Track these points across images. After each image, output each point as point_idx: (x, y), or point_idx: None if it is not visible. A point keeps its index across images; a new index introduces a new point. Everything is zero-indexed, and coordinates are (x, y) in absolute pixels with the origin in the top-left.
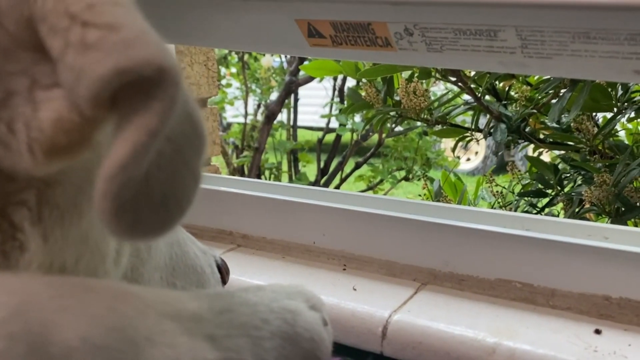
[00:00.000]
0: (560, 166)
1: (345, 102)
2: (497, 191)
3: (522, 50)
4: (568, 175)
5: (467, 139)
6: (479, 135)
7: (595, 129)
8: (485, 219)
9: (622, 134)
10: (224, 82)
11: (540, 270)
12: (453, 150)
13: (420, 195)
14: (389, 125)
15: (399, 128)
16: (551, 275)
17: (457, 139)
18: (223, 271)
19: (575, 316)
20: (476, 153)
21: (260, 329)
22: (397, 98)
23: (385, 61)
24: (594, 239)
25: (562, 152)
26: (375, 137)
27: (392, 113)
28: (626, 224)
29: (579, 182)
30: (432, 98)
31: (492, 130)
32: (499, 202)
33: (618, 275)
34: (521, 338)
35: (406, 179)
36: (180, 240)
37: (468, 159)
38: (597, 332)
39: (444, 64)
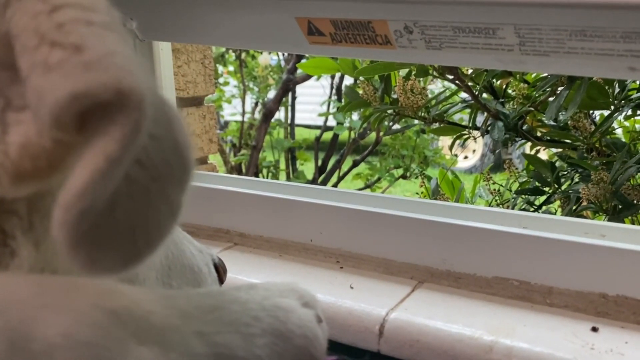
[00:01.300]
0: (557, 164)
1: (343, 100)
2: (494, 189)
3: (520, 47)
4: (565, 173)
5: (465, 137)
6: (476, 133)
7: (593, 127)
8: (482, 217)
9: (619, 131)
10: (221, 80)
11: (538, 268)
12: (450, 148)
13: (417, 194)
14: (386, 123)
15: (396, 126)
16: (548, 273)
17: (454, 137)
18: (220, 270)
19: (573, 314)
20: (474, 151)
21: (251, 326)
22: (395, 96)
23: (385, 59)
24: (591, 236)
25: (559, 150)
26: (372, 136)
27: (389, 111)
28: (623, 222)
29: (576, 179)
30: (430, 96)
31: (489, 128)
32: (496, 200)
33: (615, 273)
34: (518, 336)
35: (404, 177)
36: (176, 240)
37: (465, 157)
38: (594, 329)
39: (442, 61)
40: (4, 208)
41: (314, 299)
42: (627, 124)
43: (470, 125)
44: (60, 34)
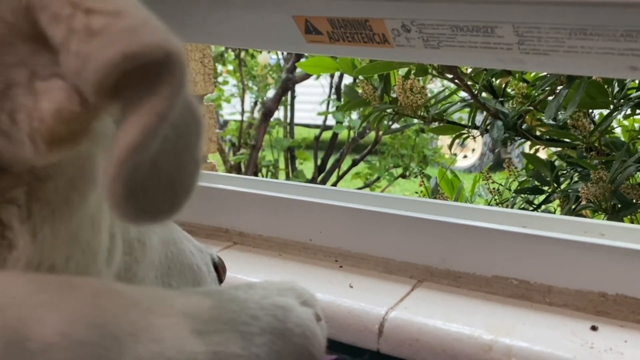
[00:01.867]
0: (556, 163)
1: (342, 100)
2: (493, 188)
3: (519, 46)
4: (564, 172)
5: (464, 136)
6: (475, 132)
7: (592, 126)
8: (482, 216)
9: (618, 131)
10: (220, 79)
11: (537, 267)
12: (450, 147)
13: (417, 193)
14: (385, 122)
15: (395, 125)
16: (548, 272)
17: (453, 136)
18: (220, 269)
19: (572, 313)
20: (473, 150)
21: (250, 325)
22: (394, 95)
23: (383, 58)
24: (591, 235)
25: (559, 149)
26: (372, 135)
27: (388, 110)
28: (622, 221)
29: (576, 179)
30: (429, 95)
31: (488, 128)
32: (495, 199)
33: (614, 272)
34: (518, 335)
35: (403, 176)
36: (175, 239)
37: (465, 157)
38: (594, 328)
39: (441, 60)
40: (3, 197)
41: (313, 297)
42: (626, 123)
43: (470, 124)
44: (95, 2)
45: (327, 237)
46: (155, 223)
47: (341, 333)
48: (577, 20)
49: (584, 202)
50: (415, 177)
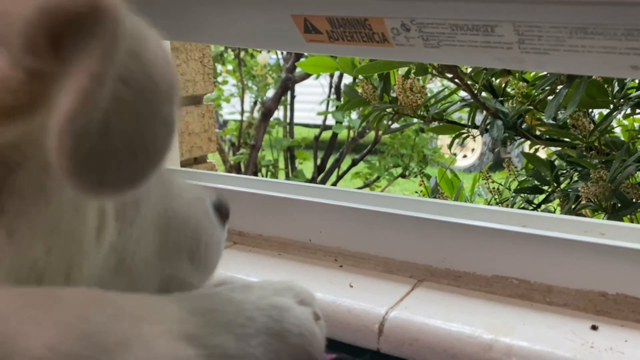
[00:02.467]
0: (556, 163)
1: (342, 99)
2: (493, 188)
3: (519, 45)
4: (564, 171)
5: (464, 135)
6: (475, 132)
7: (592, 126)
8: (482, 216)
9: (617, 130)
10: (220, 79)
11: (537, 266)
12: (450, 147)
13: (417, 192)
14: (385, 122)
15: (395, 125)
16: (548, 272)
17: (453, 135)
18: (222, 211)
19: (572, 312)
20: (472, 150)
21: (245, 327)
22: (394, 95)
23: (382, 57)
24: (591, 235)
25: (559, 148)
26: (371, 135)
27: (388, 110)
28: (622, 220)
29: (575, 178)
30: (429, 95)
31: (488, 127)
32: (495, 199)
33: (615, 272)
34: (518, 334)
35: (403, 176)
36: (174, 193)
37: (464, 156)
38: (594, 328)
39: (440, 59)
40: None
41: (311, 296)
42: (626, 122)
43: (470, 124)
44: None
45: (326, 237)
46: (118, 194)
47: (341, 333)
48: (578, 19)
49: (584, 202)
50: (415, 176)
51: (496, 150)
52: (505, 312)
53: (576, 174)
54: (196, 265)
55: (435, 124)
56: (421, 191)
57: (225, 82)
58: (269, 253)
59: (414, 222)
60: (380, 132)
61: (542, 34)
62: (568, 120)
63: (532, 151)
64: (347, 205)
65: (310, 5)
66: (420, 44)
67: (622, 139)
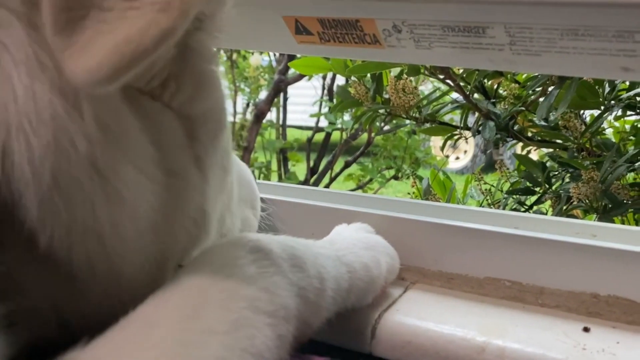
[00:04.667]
0: (548, 164)
1: (335, 100)
2: (485, 189)
3: (511, 47)
4: (556, 173)
5: (456, 137)
6: (467, 133)
7: (583, 127)
8: (473, 217)
9: (609, 132)
10: None
11: (529, 268)
12: (442, 148)
13: (409, 194)
14: (377, 124)
15: (387, 128)
16: (540, 274)
17: (445, 137)
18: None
19: (564, 314)
20: (465, 152)
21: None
22: (387, 96)
23: (374, 58)
24: (582, 236)
25: (550, 150)
26: (364, 137)
27: (381, 111)
28: (613, 221)
29: (567, 179)
30: (421, 96)
31: (480, 128)
32: (487, 201)
33: (606, 273)
34: (510, 336)
35: (395, 177)
36: (238, 163)
37: (457, 158)
38: (586, 329)
39: (432, 60)
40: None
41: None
42: (617, 124)
43: (462, 125)
44: None
45: (319, 239)
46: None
47: (333, 336)
48: (569, 20)
49: (575, 202)
50: (407, 178)
51: (488, 152)
52: (497, 314)
53: (567, 175)
54: (254, 212)
55: (427, 125)
56: (413, 193)
57: None
58: None
59: (406, 224)
60: (372, 134)
61: (533, 36)
62: (559, 122)
63: (524, 153)
64: (339, 208)
65: (301, 7)
66: (411, 45)
67: (613, 140)
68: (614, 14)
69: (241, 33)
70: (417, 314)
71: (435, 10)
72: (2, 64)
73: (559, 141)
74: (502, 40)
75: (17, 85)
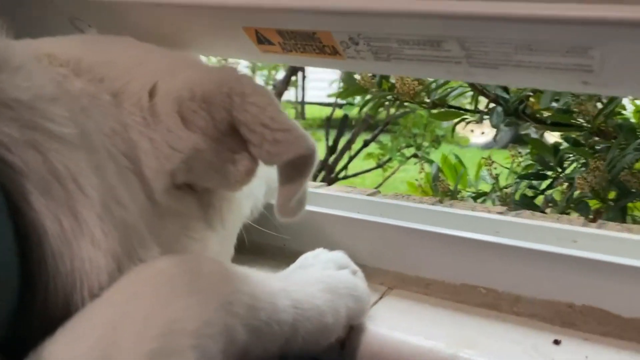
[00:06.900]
0: (562, 147)
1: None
2: (496, 174)
3: (467, 60)
4: (570, 156)
5: (467, 120)
6: (476, 116)
7: (596, 110)
8: (455, 221)
9: (630, 109)
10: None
11: (506, 276)
12: (452, 132)
13: (416, 180)
14: (382, 109)
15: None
16: (516, 281)
17: (456, 120)
18: None
19: (538, 324)
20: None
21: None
22: (393, 81)
23: (336, 68)
24: (563, 242)
25: (562, 133)
26: (383, 114)
27: (388, 97)
28: (624, 209)
29: (581, 163)
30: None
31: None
32: (496, 186)
33: (583, 283)
34: (480, 349)
35: (415, 155)
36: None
37: (482, 133)
38: (556, 342)
39: (393, 71)
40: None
41: (347, 261)
42: (632, 106)
43: (473, 108)
44: (274, 123)
45: (298, 243)
46: None
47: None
48: (520, 35)
49: (582, 190)
50: (415, 163)
51: (513, 126)
52: (469, 324)
53: (581, 159)
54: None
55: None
56: (421, 178)
57: (236, 64)
58: (242, 258)
59: (385, 229)
60: (391, 113)
61: (488, 50)
62: (571, 105)
63: (538, 136)
64: (319, 211)
65: (259, 18)
66: (370, 57)
67: (633, 121)
68: (562, 30)
69: (208, 42)
70: (388, 324)
71: (387, 24)
72: None
73: (572, 124)
74: (458, 54)
75: None
